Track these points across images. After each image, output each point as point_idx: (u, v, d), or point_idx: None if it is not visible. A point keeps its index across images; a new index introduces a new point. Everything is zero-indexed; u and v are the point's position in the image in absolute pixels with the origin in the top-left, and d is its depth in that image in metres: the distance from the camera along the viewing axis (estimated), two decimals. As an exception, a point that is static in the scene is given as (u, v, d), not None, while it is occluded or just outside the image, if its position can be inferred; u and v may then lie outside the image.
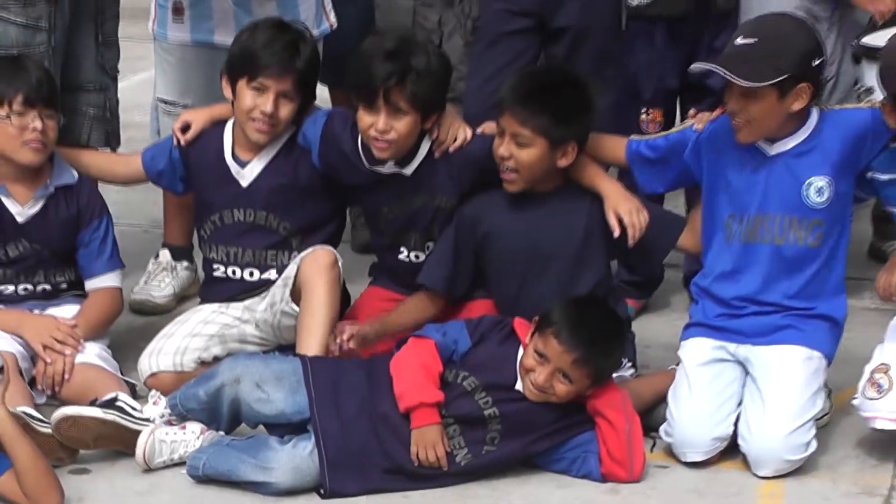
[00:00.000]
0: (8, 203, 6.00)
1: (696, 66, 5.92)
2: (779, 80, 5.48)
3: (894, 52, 5.75)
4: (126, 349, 6.20)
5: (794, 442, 5.42)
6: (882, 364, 5.61)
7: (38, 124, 5.91)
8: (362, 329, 5.76)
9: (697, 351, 5.74)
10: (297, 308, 5.90)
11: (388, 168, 6.09)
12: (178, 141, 6.34)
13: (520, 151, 5.68)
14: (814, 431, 5.51)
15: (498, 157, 5.84)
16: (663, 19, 6.78)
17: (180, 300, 6.87)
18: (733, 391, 5.62)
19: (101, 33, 6.91)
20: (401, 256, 6.30)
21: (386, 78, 5.83)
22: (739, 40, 5.66)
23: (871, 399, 5.53)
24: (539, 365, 5.29)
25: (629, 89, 6.97)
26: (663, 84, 6.80)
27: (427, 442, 5.29)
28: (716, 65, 5.63)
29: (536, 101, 5.83)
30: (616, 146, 6.21)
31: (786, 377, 5.57)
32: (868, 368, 5.62)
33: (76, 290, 6.19)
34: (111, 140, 6.97)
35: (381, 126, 5.85)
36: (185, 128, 6.34)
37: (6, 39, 6.59)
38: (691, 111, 6.27)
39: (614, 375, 5.56)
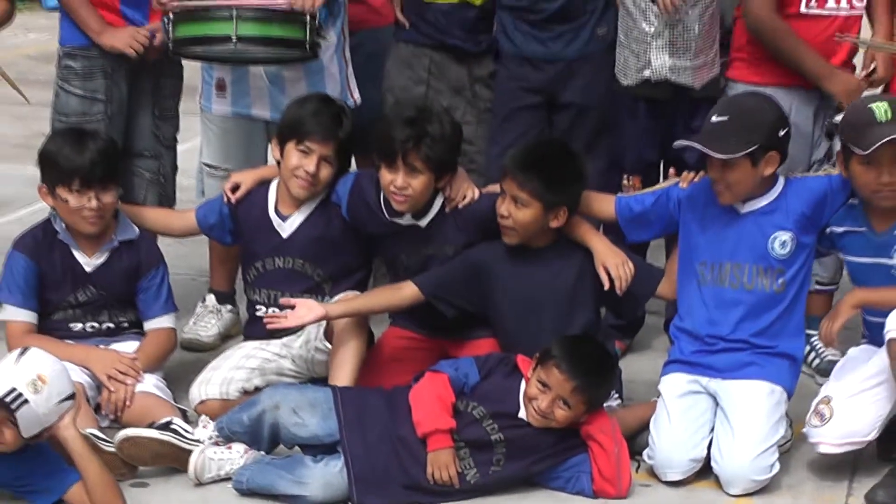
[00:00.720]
0: (77, 255, 6.15)
1: (679, 143, 6.14)
2: (750, 150, 5.74)
3: (854, 109, 6.10)
4: (178, 381, 6.32)
5: (759, 464, 5.62)
6: (825, 396, 5.84)
7: (93, 204, 6.07)
8: (328, 309, 5.92)
9: (674, 385, 5.95)
10: (329, 345, 6.06)
11: (406, 220, 6.29)
12: (228, 199, 6.51)
13: (517, 211, 5.91)
14: (777, 455, 5.73)
15: (499, 214, 6.08)
16: (647, 100, 7.00)
17: (224, 339, 6.97)
18: (706, 419, 5.81)
19: (157, 108, 7.14)
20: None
21: (404, 141, 6.02)
22: (714, 118, 5.94)
23: (816, 427, 5.76)
24: (542, 393, 5.49)
25: (613, 157, 7.19)
26: (643, 155, 6.98)
27: (441, 463, 5.46)
28: (695, 142, 5.90)
29: (533, 169, 6.04)
30: (606, 202, 6.41)
31: (751, 408, 5.77)
32: (815, 401, 5.86)
33: (136, 329, 6.33)
34: (164, 202, 7.19)
35: (399, 183, 6.05)
36: (235, 188, 6.53)
37: (68, 108, 6.91)
38: (671, 170, 6.49)
39: (604, 405, 5.76)
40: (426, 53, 7.18)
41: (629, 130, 7.14)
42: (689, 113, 6.82)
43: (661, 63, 6.92)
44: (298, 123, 6.35)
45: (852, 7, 6.99)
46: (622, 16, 7.08)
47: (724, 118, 5.93)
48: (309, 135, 6.28)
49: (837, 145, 6.38)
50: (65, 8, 7.04)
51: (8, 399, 5.05)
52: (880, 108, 5.91)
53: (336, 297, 6.30)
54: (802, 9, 6.90)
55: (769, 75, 6.94)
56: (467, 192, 6.36)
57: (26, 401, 5.07)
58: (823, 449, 5.81)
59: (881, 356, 5.89)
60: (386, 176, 6.14)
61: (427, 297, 6.21)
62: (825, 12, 6.93)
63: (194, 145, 7.75)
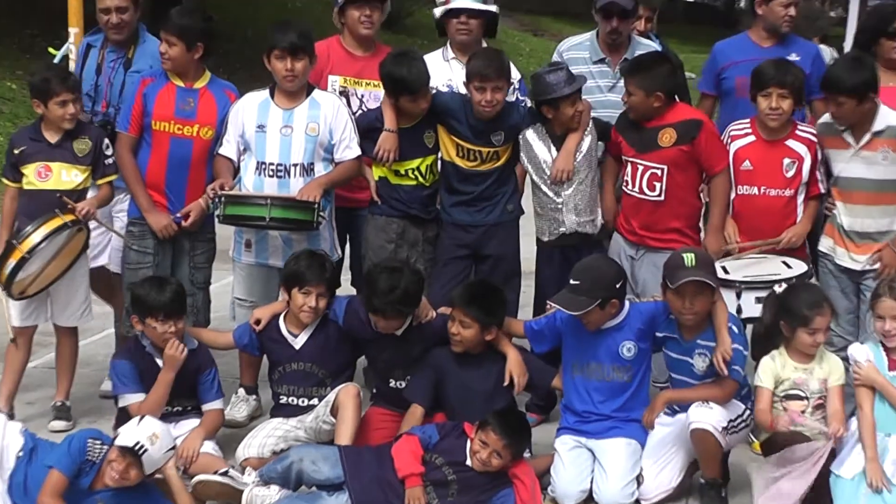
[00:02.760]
0: (159, 362, 6.55)
1: (550, 303, 6.66)
2: (595, 304, 6.30)
3: (673, 255, 6.51)
4: (224, 446, 6.68)
5: (625, 493, 6.24)
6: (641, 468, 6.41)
7: (173, 329, 6.51)
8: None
9: (564, 443, 6.49)
10: (333, 420, 6.40)
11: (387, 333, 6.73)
12: (254, 329, 6.91)
13: (464, 330, 6.48)
14: (634, 485, 6.28)
15: (449, 332, 6.60)
16: (560, 248, 7.34)
17: (251, 419, 7.16)
18: (587, 465, 6.37)
19: (192, 262, 7.44)
20: (391, 385, 6.88)
21: (386, 307, 6.56)
22: (571, 281, 6.42)
23: (638, 487, 6.34)
24: (483, 448, 6.02)
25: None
26: (559, 288, 6.85)
27: (415, 497, 5.95)
28: (557, 303, 6.47)
29: (474, 302, 6.57)
30: (517, 324, 6.97)
31: (615, 457, 6.35)
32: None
33: (195, 410, 6.71)
34: (197, 326, 7.29)
35: (383, 325, 6.63)
36: (257, 322, 6.92)
37: (129, 258, 7.33)
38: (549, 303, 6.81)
39: (523, 455, 6.29)
40: (395, 221, 7.30)
41: (548, 272, 7.43)
42: (589, 251, 7.06)
43: (571, 221, 7.24)
44: (298, 275, 6.72)
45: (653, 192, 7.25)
46: (537, 196, 7.40)
47: (577, 282, 6.38)
48: (307, 282, 6.67)
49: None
50: (125, 183, 7.34)
51: (136, 448, 5.59)
52: (688, 257, 6.35)
53: (334, 393, 6.55)
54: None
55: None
56: (429, 313, 6.80)
57: (146, 450, 5.63)
58: (645, 502, 6.33)
59: (674, 432, 6.45)
60: (378, 321, 6.67)
61: (426, 407, 6.67)
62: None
63: (222, 284, 8.04)
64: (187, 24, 7.25)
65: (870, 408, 6.09)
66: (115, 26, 7.59)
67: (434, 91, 7.40)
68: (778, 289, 6.63)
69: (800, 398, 6.23)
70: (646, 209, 7.26)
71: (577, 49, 7.94)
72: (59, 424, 7.12)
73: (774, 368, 6.29)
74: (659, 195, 7.21)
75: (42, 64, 7.70)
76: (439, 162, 7.49)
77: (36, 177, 7.03)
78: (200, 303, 7.53)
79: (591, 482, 6.34)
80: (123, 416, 6.43)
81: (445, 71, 7.79)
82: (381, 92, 7.58)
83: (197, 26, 7.30)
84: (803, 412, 6.20)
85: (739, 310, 6.68)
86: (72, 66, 7.95)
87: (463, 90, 7.43)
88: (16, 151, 7.07)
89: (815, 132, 7.13)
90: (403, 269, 6.79)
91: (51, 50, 7.91)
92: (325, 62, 7.56)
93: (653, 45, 8.10)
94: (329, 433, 6.50)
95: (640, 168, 7.23)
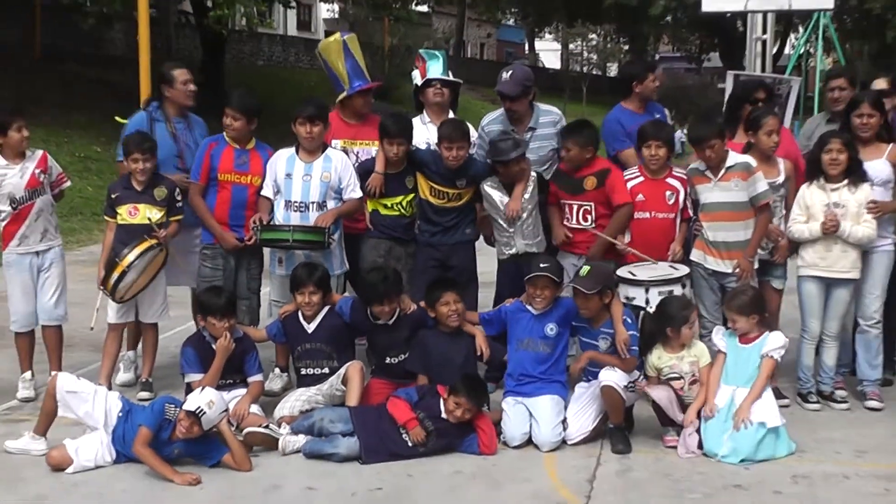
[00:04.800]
0: (214, 348, 6.72)
1: (568, 284, 6.82)
2: (599, 289, 6.44)
3: (596, 266, 6.65)
4: (265, 408, 6.77)
5: (553, 434, 6.34)
6: (564, 417, 6.51)
7: (226, 325, 6.73)
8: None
9: (508, 402, 6.60)
10: (343, 388, 6.62)
11: (382, 322, 6.94)
12: (281, 316, 7.10)
13: (457, 410, 6.32)
14: (561, 429, 6.40)
15: (441, 315, 6.82)
16: (514, 263, 7.47)
17: (284, 390, 7.13)
18: (525, 416, 6.45)
19: (248, 274, 7.62)
20: (387, 361, 7.00)
21: (381, 297, 6.84)
22: (580, 274, 6.57)
23: (563, 431, 6.44)
24: (456, 407, 6.24)
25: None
26: (512, 292, 7.20)
27: (417, 434, 6.17)
28: (576, 284, 6.53)
29: (443, 288, 6.89)
30: (475, 315, 7.08)
31: (544, 409, 6.46)
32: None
33: (243, 383, 6.83)
34: (253, 322, 7.59)
35: (384, 309, 6.85)
36: (283, 315, 7.11)
37: (203, 273, 7.53)
38: (508, 300, 7.09)
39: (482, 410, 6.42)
40: (383, 242, 7.53)
41: (503, 281, 7.63)
42: (537, 266, 6.85)
43: (520, 245, 7.44)
44: (295, 280, 6.98)
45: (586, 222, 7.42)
46: (495, 227, 7.55)
47: (589, 267, 6.58)
48: (300, 285, 6.92)
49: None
50: (200, 219, 7.51)
51: (197, 411, 5.85)
52: (584, 269, 6.58)
53: (343, 368, 6.72)
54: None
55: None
56: (410, 306, 7.01)
57: (205, 412, 5.89)
58: (570, 441, 6.44)
59: (590, 391, 6.59)
60: (378, 308, 6.88)
61: (426, 375, 6.80)
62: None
63: (265, 293, 7.89)
64: (249, 105, 7.50)
65: (719, 368, 6.53)
66: (192, 94, 7.80)
67: (415, 148, 7.59)
68: (678, 288, 6.92)
69: (677, 378, 6.53)
70: (583, 234, 7.45)
71: (494, 122, 7.99)
72: (145, 395, 7.36)
73: (655, 362, 6.59)
74: (591, 224, 7.45)
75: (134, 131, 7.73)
76: (417, 200, 7.63)
77: (128, 215, 7.28)
78: (255, 305, 7.68)
79: (530, 428, 6.46)
80: (189, 390, 6.56)
81: (424, 132, 7.90)
82: (371, 149, 7.77)
83: (255, 106, 7.53)
84: (682, 388, 6.52)
85: (647, 301, 6.83)
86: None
87: (431, 145, 7.70)
88: (113, 196, 7.30)
89: (685, 173, 7.31)
90: (385, 267, 7.13)
91: (118, 119, 8.02)
92: (328, 129, 7.66)
93: (553, 111, 8.07)
94: (340, 398, 6.66)
95: (574, 207, 7.48)
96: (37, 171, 7.28)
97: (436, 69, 8.09)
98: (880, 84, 8.03)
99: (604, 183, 7.33)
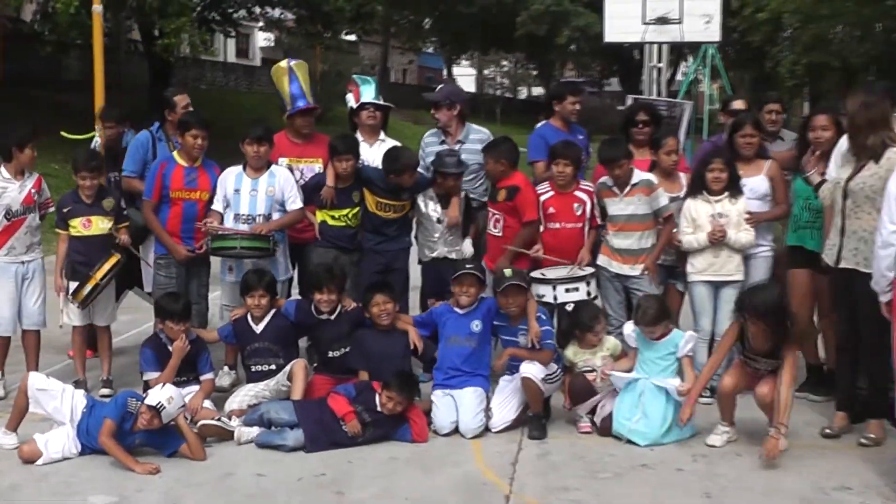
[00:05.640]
0: (170, 348, 6.67)
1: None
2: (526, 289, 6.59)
3: (497, 274, 6.77)
4: (215, 403, 6.73)
5: (475, 422, 6.36)
6: (489, 407, 6.56)
7: (182, 328, 6.70)
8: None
9: (437, 394, 6.61)
10: (289, 384, 6.58)
11: (325, 317, 6.92)
12: (232, 320, 7.07)
13: (389, 403, 6.27)
14: (483, 416, 6.41)
15: (374, 315, 6.85)
16: (435, 265, 7.64)
17: (232, 386, 7.13)
18: (452, 406, 6.46)
19: (197, 281, 7.58)
20: (329, 355, 6.95)
21: (325, 283, 6.87)
22: (506, 275, 6.61)
23: (487, 420, 6.49)
24: (389, 400, 6.22)
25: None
26: (434, 290, 7.45)
27: (354, 426, 6.13)
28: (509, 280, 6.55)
29: (384, 290, 6.95)
30: (409, 318, 7.09)
31: (468, 400, 6.47)
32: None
33: (196, 381, 6.77)
34: (203, 325, 7.52)
35: (325, 298, 6.87)
36: (233, 317, 7.09)
37: (158, 281, 7.47)
38: (431, 300, 7.31)
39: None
40: (331, 250, 7.48)
41: (428, 279, 7.72)
42: (454, 270, 6.98)
43: (442, 250, 7.62)
44: (245, 285, 7.00)
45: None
46: (421, 231, 7.74)
47: (514, 278, 6.60)
48: (250, 289, 6.94)
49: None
50: (154, 234, 7.48)
51: (157, 406, 5.82)
52: (507, 271, 6.67)
53: (289, 366, 6.66)
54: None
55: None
56: (351, 304, 7.03)
57: (164, 407, 5.85)
58: (494, 429, 6.46)
59: (512, 384, 6.58)
60: (318, 297, 6.87)
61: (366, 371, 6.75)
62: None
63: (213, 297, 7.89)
64: (208, 123, 7.52)
65: (632, 361, 6.61)
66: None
67: (362, 166, 7.64)
68: (583, 286, 7.03)
69: (591, 371, 6.65)
70: (494, 241, 7.50)
71: (433, 136, 8.11)
72: (106, 391, 7.30)
73: (570, 356, 6.74)
74: (499, 232, 7.48)
75: (83, 150, 7.77)
76: (361, 212, 7.66)
77: (82, 227, 7.27)
78: (205, 309, 7.67)
79: (457, 417, 6.48)
80: (147, 387, 6.51)
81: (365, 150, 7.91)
82: (316, 166, 7.79)
83: (209, 124, 7.52)
84: (595, 380, 6.60)
85: (555, 298, 6.95)
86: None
87: (367, 162, 7.74)
88: (64, 210, 7.28)
89: (592, 186, 7.38)
90: (332, 263, 7.25)
91: (63, 133, 8.22)
92: (276, 148, 7.64)
93: (484, 131, 8.14)
94: (286, 393, 6.64)
95: (490, 213, 7.53)
96: (33, 190, 7.25)
97: (369, 93, 8.10)
98: (738, 104, 8.31)
99: (512, 198, 7.34)
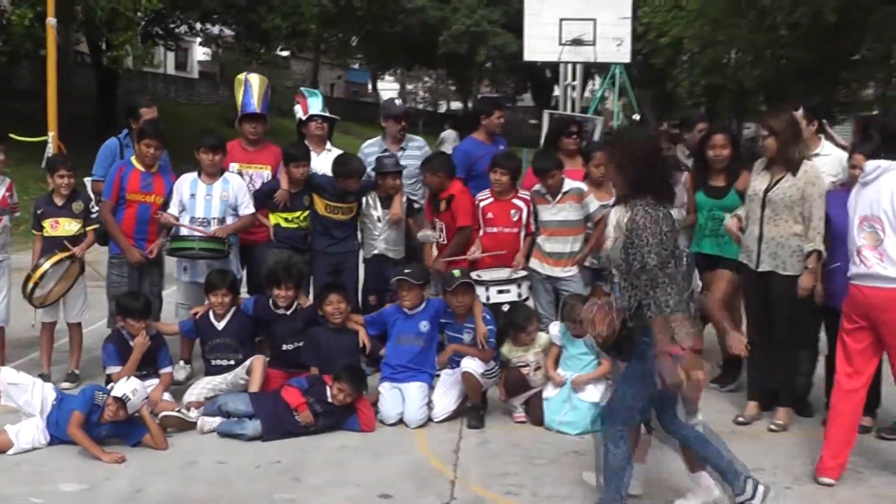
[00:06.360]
0: (131, 344, 6.56)
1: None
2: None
3: (446, 275, 6.68)
4: (172, 394, 6.66)
5: (419, 413, 6.37)
6: (431, 399, 6.51)
7: (143, 325, 6.60)
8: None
9: (385, 386, 6.59)
10: (247, 377, 6.56)
11: (282, 312, 6.89)
12: (193, 317, 6.99)
13: (339, 394, 6.24)
14: (426, 410, 6.42)
15: (327, 314, 6.76)
16: (377, 261, 7.64)
17: (188, 379, 7.15)
18: (399, 399, 6.46)
19: (150, 280, 7.40)
20: (283, 348, 6.89)
21: (284, 280, 6.84)
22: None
23: (429, 412, 6.47)
24: (339, 392, 6.19)
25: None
26: (376, 286, 7.53)
27: (306, 417, 6.09)
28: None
29: (339, 290, 6.94)
30: (360, 317, 6.99)
31: (414, 393, 6.47)
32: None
33: (156, 374, 6.69)
34: (156, 317, 7.22)
35: (283, 293, 6.84)
36: (195, 314, 6.98)
37: (110, 279, 7.34)
38: (371, 297, 7.43)
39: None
40: (284, 251, 7.39)
41: (370, 276, 7.71)
42: (394, 267, 7.23)
43: (381, 247, 7.64)
44: (210, 284, 6.91)
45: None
46: (365, 230, 7.71)
47: (459, 271, 6.66)
48: (214, 288, 6.88)
49: None
50: (109, 234, 7.33)
51: (123, 398, 5.74)
52: (456, 272, 6.60)
53: (248, 361, 6.63)
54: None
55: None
56: (306, 301, 7.08)
57: (129, 398, 5.78)
58: (436, 419, 6.46)
59: (453, 377, 6.60)
60: (276, 291, 6.84)
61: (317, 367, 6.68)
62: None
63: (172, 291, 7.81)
64: (161, 133, 7.40)
65: (554, 357, 6.67)
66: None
67: (312, 173, 7.60)
68: (514, 288, 7.05)
69: (525, 366, 6.65)
70: (440, 248, 7.49)
71: (370, 146, 8.21)
72: (66, 385, 7.15)
73: (506, 353, 6.73)
74: (444, 240, 7.49)
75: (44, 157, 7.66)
76: (311, 215, 7.62)
77: (50, 228, 7.24)
78: (158, 306, 7.52)
79: (403, 409, 6.50)
80: (109, 380, 6.48)
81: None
82: (264, 172, 7.75)
83: (162, 133, 7.44)
84: (528, 373, 6.62)
85: (488, 298, 6.95)
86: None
87: (316, 170, 7.70)
88: (38, 212, 7.26)
89: (528, 195, 7.37)
90: (289, 260, 7.20)
91: (12, 135, 8.13)
92: (228, 154, 7.58)
93: (420, 140, 8.25)
94: (243, 386, 6.62)
95: (435, 224, 7.54)
96: (7, 193, 7.23)
97: (316, 106, 8.06)
98: (662, 125, 8.25)
99: (450, 206, 7.37)
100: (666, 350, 4.19)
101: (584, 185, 7.24)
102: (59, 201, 7.24)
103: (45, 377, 6.95)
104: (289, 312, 6.94)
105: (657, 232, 4.28)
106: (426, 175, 7.48)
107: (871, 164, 5.28)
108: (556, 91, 25.59)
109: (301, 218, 7.53)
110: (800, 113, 6.62)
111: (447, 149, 12.60)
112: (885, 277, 5.11)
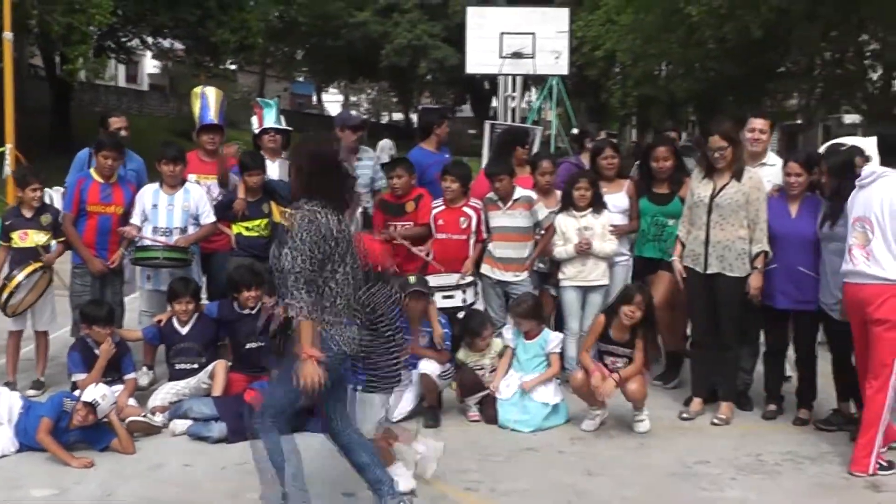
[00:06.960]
0: (96, 351, 6.53)
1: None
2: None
3: (402, 280, 6.35)
4: (137, 400, 6.52)
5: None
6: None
7: (108, 332, 6.56)
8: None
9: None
10: (210, 381, 6.51)
11: (247, 311, 6.79)
12: (157, 324, 6.91)
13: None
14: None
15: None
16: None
17: (150, 384, 6.98)
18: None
19: (111, 289, 7.29)
20: (247, 347, 6.73)
21: (249, 282, 6.76)
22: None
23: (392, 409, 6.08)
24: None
25: None
26: None
27: None
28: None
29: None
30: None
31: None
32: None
33: (120, 380, 6.56)
34: (119, 324, 7.10)
35: (251, 294, 6.75)
36: (159, 321, 6.91)
37: (73, 289, 7.31)
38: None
39: None
40: (247, 258, 7.20)
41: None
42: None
43: None
44: (173, 292, 6.87)
45: None
46: None
47: (416, 277, 6.62)
48: (178, 297, 6.84)
49: None
50: (71, 245, 7.21)
51: (93, 403, 5.69)
52: (411, 278, 6.56)
53: (211, 366, 6.56)
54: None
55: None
56: (269, 303, 6.59)
57: (99, 403, 5.73)
58: (394, 419, 6.08)
59: (411, 380, 6.33)
60: (244, 293, 6.75)
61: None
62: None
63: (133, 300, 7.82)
64: (120, 144, 7.37)
65: (507, 359, 6.67)
66: (123, 137, 7.77)
67: (268, 179, 7.52)
68: (459, 293, 7.03)
69: (479, 370, 6.67)
70: (403, 249, 7.35)
71: None
72: (33, 392, 7.02)
73: (462, 357, 6.73)
74: (432, 257, 7.34)
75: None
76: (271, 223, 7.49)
77: (19, 239, 7.14)
78: (119, 313, 7.43)
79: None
80: (74, 387, 6.39)
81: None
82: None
83: (122, 144, 7.42)
84: (483, 376, 6.64)
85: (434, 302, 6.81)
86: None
87: (273, 176, 7.64)
88: (6, 223, 7.13)
89: (479, 203, 7.34)
90: (252, 262, 7.09)
91: None
92: (188, 165, 7.54)
93: (370, 150, 8.24)
94: (206, 390, 6.57)
95: (398, 226, 7.44)
96: None
97: (270, 118, 7.99)
98: (601, 134, 8.32)
99: (418, 206, 7.41)
100: (305, 353, 4.20)
101: (533, 194, 7.28)
102: (27, 213, 7.15)
103: (12, 385, 6.84)
104: (253, 311, 6.85)
105: (313, 235, 4.22)
106: (401, 176, 7.42)
107: (867, 169, 5.48)
108: (495, 102, 25.67)
109: (262, 226, 7.41)
110: (763, 123, 6.82)
111: (384, 158, 12.60)
112: (869, 275, 5.29)
